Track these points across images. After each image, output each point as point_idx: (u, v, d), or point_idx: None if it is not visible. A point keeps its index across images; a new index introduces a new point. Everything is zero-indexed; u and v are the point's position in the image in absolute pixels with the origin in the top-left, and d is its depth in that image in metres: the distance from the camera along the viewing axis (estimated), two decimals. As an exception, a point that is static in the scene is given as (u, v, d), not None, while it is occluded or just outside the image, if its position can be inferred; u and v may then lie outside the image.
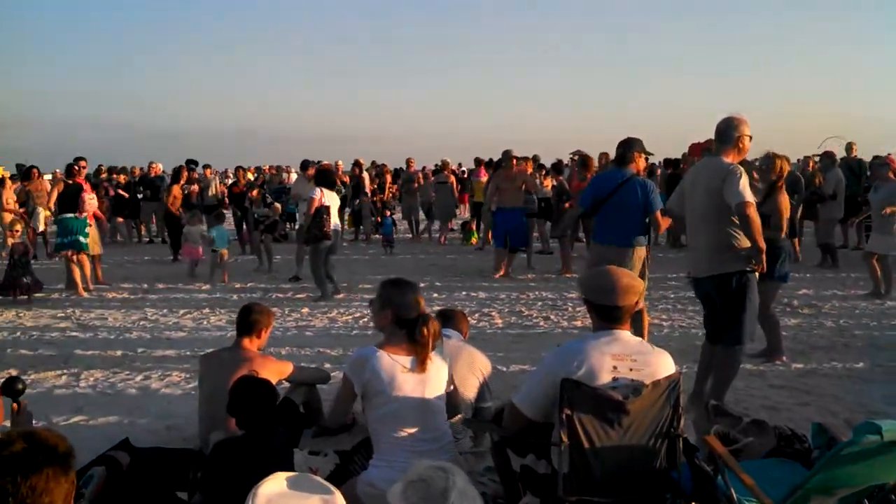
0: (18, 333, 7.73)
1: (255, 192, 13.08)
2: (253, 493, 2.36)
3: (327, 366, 5.88)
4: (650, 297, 7.93)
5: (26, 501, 1.57)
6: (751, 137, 4.87)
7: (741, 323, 4.79)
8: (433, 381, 3.30)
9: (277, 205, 12.61)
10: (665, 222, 5.98)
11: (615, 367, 2.89)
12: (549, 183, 12.88)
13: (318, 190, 9.01)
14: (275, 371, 4.13)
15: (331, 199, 9.08)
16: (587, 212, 6.24)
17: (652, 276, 7.14)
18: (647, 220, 5.91)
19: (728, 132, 4.84)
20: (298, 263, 10.78)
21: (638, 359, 2.93)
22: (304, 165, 12.76)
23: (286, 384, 4.42)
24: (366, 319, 8.07)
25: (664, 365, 2.98)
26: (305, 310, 8.65)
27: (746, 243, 4.69)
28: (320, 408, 4.59)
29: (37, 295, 9.41)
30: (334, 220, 9.08)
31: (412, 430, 3.23)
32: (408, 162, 17.03)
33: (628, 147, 6.05)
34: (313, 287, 9.60)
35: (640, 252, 5.88)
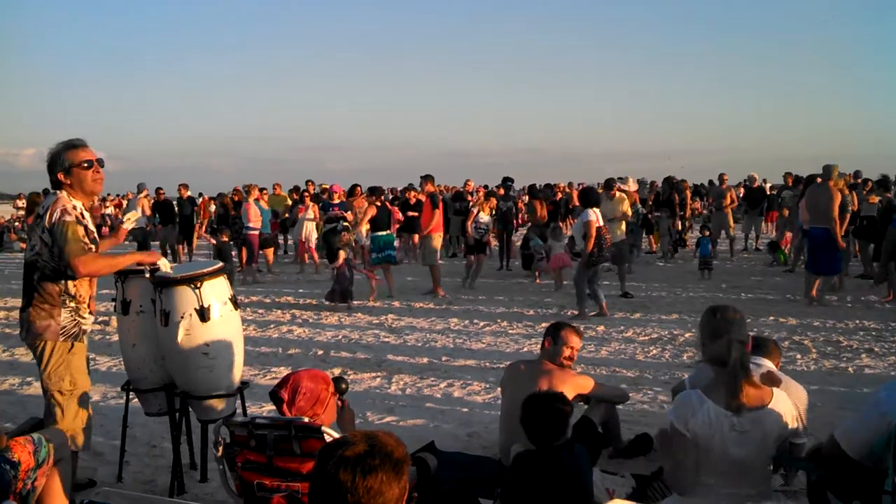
0: (340, 336, 8.57)
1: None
2: None
3: (623, 386, 5.78)
4: None
5: (361, 500, 1.69)
6: None
7: None
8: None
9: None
10: None
11: (969, 415, 2.49)
12: (874, 199, 11.64)
13: (591, 212, 9.07)
14: (574, 386, 4.14)
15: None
16: None
17: None
18: None
19: None
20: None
21: None
22: (609, 185, 12.28)
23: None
24: (663, 341, 7.84)
25: None
26: (601, 328, 8.60)
27: None
28: (618, 428, 4.53)
29: (354, 302, 10.42)
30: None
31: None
32: (721, 177, 16.09)
33: None
34: (610, 304, 9.55)
35: None
